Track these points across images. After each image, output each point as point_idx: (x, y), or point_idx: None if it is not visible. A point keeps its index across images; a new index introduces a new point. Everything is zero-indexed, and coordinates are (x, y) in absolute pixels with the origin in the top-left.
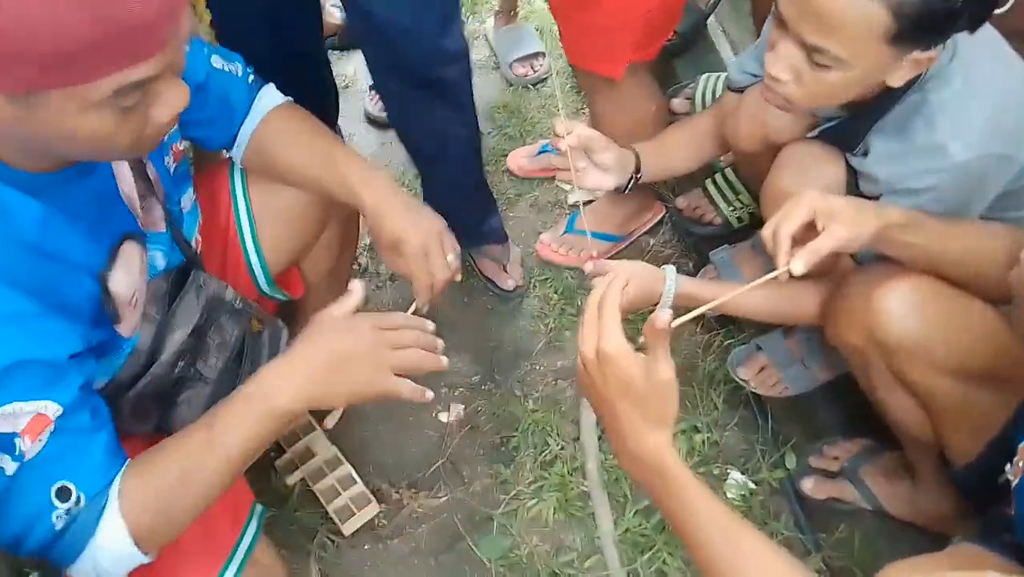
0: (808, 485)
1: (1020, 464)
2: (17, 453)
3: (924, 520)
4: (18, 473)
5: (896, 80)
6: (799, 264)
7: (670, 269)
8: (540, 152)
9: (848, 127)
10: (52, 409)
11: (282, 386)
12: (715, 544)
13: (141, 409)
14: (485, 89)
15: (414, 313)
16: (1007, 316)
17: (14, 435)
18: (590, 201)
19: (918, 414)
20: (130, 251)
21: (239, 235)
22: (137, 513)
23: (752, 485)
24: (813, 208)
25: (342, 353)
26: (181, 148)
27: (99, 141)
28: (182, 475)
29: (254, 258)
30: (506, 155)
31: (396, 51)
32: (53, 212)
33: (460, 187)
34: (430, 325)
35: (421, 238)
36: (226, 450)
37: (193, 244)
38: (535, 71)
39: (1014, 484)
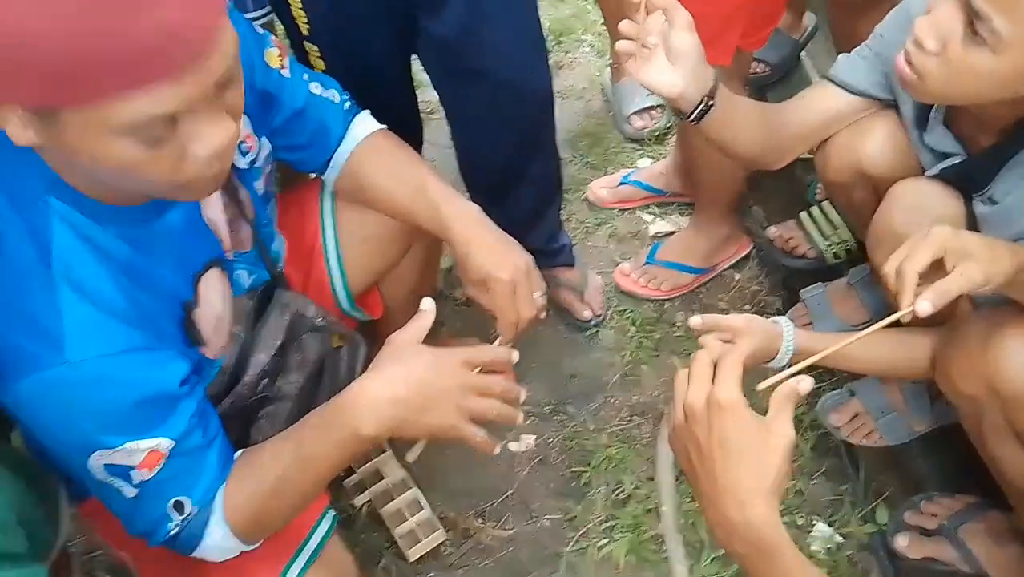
0: (902, 542)
1: None
2: (135, 483)
3: None
4: (138, 495)
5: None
6: (926, 304)
7: (786, 323)
8: (621, 183)
9: (974, 166)
10: (165, 444)
11: (368, 413)
12: None
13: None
14: (569, 118)
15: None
16: None
17: (130, 468)
18: (672, 232)
19: None
20: (213, 277)
21: (324, 253)
22: (237, 518)
23: (839, 539)
24: (944, 245)
25: (429, 388)
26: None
27: (131, 171)
28: (276, 488)
29: (337, 276)
30: (586, 184)
31: (498, 92)
32: (140, 245)
33: (531, 214)
34: (516, 356)
35: (510, 275)
36: (314, 468)
37: (279, 263)
38: (654, 121)
39: None
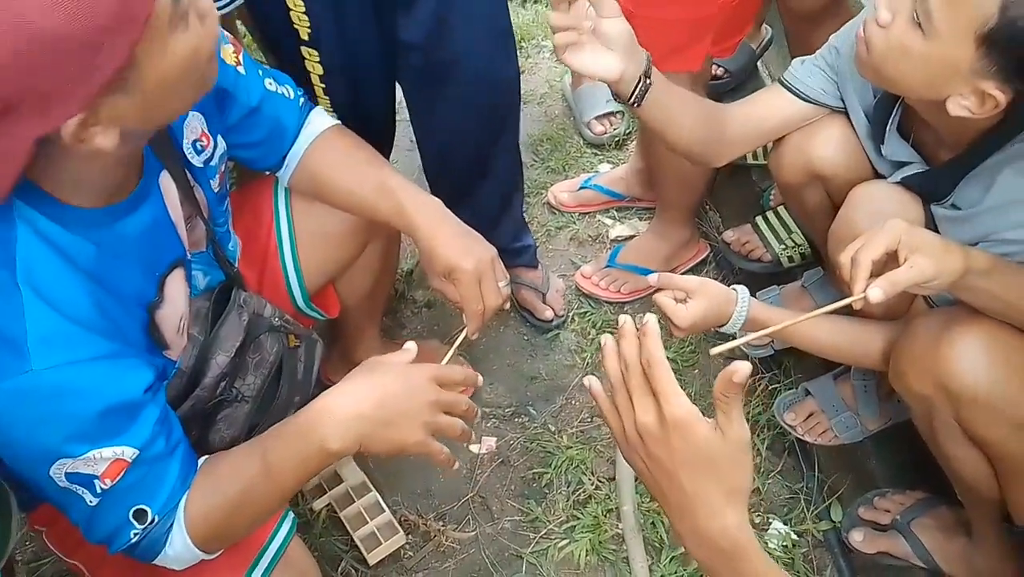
0: (857, 538)
1: None
2: (97, 491)
3: None
4: (99, 504)
5: (955, 107)
6: (877, 292)
7: (742, 289)
8: (582, 187)
9: (934, 178)
10: (129, 453)
11: (334, 429)
12: None
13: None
14: (530, 122)
15: (464, 340)
16: None
17: (94, 477)
18: (632, 236)
19: (983, 467)
20: (177, 278)
21: (279, 252)
22: (199, 528)
23: (795, 536)
24: (898, 238)
25: (394, 403)
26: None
27: (198, 56)
28: (239, 499)
29: (292, 275)
30: (547, 188)
31: (469, 85)
32: (107, 248)
33: (496, 210)
34: (480, 380)
35: (474, 266)
36: (279, 481)
37: (235, 263)
38: (614, 128)
39: None
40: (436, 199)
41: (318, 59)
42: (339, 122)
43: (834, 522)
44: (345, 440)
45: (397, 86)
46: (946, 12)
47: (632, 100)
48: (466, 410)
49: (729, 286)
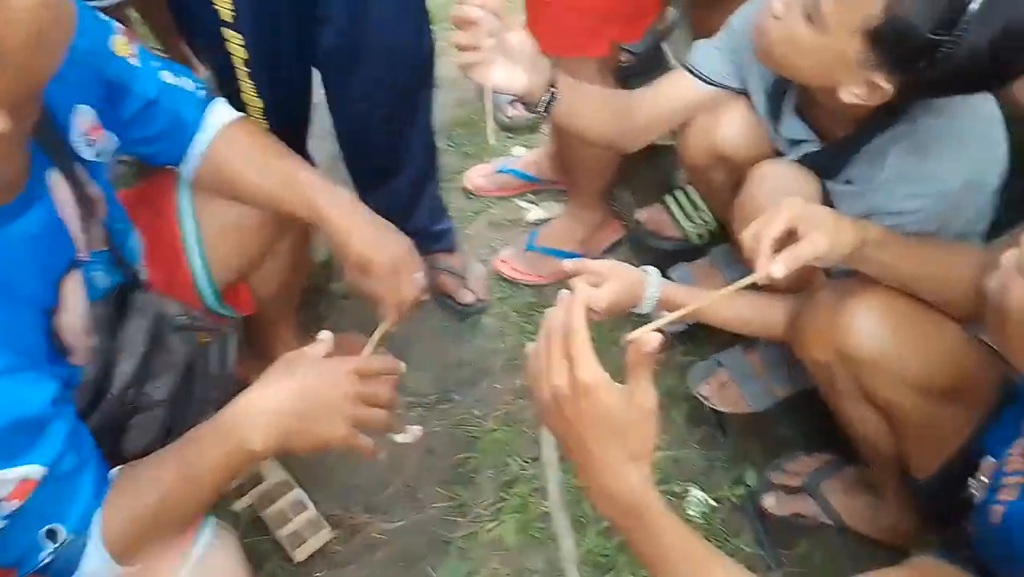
0: (769, 502)
1: (983, 479)
2: (4, 515)
3: (885, 535)
4: (6, 526)
5: (847, 95)
6: (779, 267)
7: (653, 271)
8: (497, 172)
9: (829, 155)
10: (37, 472)
11: (255, 428)
12: None
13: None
14: (443, 108)
15: (383, 335)
16: (971, 335)
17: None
18: (549, 219)
19: (882, 428)
20: (73, 281)
21: (185, 249)
22: (117, 542)
23: (713, 502)
24: (796, 215)
25: (316, 399)
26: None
27: (45, 30)
28: (158, 509)
29: (200, 273)
30: (463, 173)
31: (382, 62)
32: (1, 251)
33: (413, 191)
34: (402, 367)
35: (389, 259)
36: (199, 487)
37: (135, 263)
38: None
39: (978, 499)
40: (347, 191)
41: (241, 42)
42: (242, 115)
43: (749, 487)
44: (267, 440)
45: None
46: (834, 7)
47: (540, 109)
48: (389, 400)
49: (640, 267)
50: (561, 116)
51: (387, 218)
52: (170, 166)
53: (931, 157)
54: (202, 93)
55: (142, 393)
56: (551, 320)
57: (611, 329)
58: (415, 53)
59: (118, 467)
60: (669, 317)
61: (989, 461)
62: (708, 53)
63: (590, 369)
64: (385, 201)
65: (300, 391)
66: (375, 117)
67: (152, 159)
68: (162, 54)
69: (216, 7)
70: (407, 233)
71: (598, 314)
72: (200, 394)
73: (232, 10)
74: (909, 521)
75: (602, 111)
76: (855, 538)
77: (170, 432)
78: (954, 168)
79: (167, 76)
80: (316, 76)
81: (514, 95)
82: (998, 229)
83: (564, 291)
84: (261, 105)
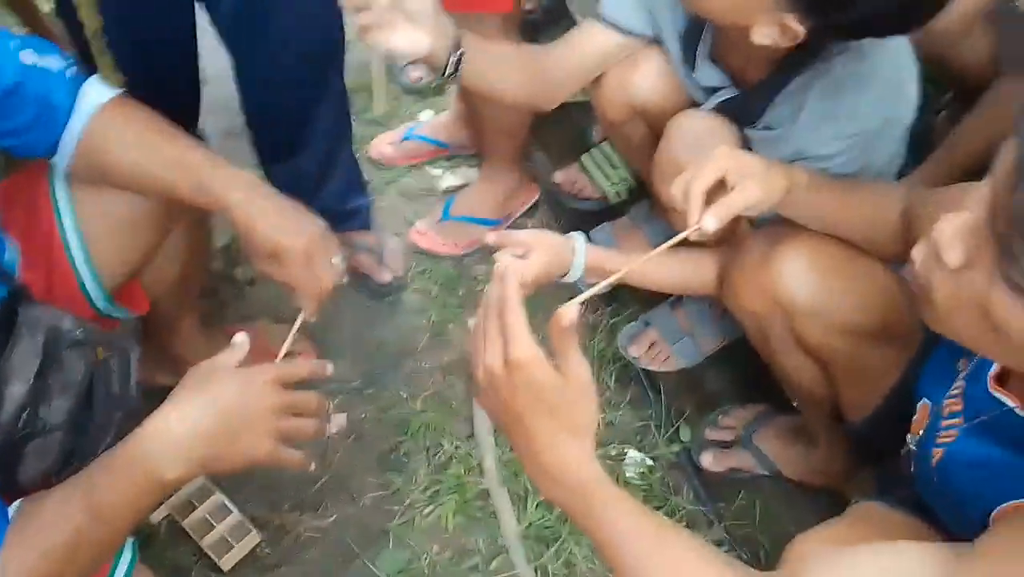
0: (707, 460)
1: (920, 425)
2: None
3: (820, 480)
4: None
5: (759, 36)
6: (712, 220)
7: (579, 237)
8: (405, 139)
9: (746, 101)
10: None
11: (169, 455)
12: (642, 561)
13: None
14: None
15: (302, 325)
16: (898, 275)
17: None
18: (463, 186)
19: (815, 373)
20: None
21: (65, 249)
22: None
23: (650, 462)
24: (725, 166)
25: (234, 417)
26: None
27: None
28: (69, 548)
29: (86, 274)
30: (369, 142)
31: (290, 21)
32: None
33: (324, 167)
34: (330, 368)
35: (303, 244)
36: (112, 523)
37: (15, 272)
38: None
39: (914, 443)
40: (246, 171)
41: (94, 8)
42: (121, 90)
43: (684, 443)
44: (184, 467)
45: (199, 44)
46: None
47: (447, 72)
48: (316, 407)
49: (566, 235)
50: (470, 78)
51: (295, 194)
52: (42, 157)
53: (849, 97)
54: (72, 71)
55: (36, 417)
56: (487, 297)
57: (535, 295)
58: (324, 16)
59: (17, 501)
60: (599, 286)
61: (925, 403)
62: (619, 2)
63: (523, 346)
64: (294, 176)
65: (217, 410)
66: (283, 85)
67: (21, 151)
68: (23, 29)
69: None
70: (319, 212)
71: (526, 287)
72: (102, 415)
73: None
74: (842, 465)
75: (513, 71)
76: (792, 486)
77: (70, 457)
78: (872, 107)
79: (28, 56)
80: (207, 46)
81: (416, 58)
82: (904, 166)
83: (499, 265)
84: (122, 79)
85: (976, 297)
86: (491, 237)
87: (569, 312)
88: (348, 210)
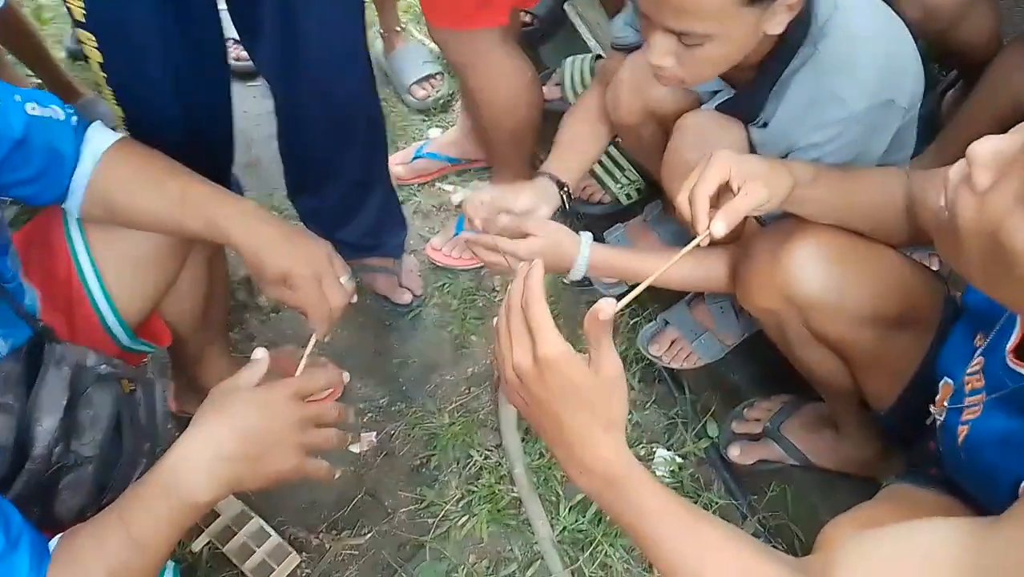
0: (735, 453)
1: (943, 404)
2: None
3: (849, 467)
4: None
5: (775, 27)
6: (720, 225)
7: (586, 236)
8: (415, 157)
9: (745, 98)
10: None
11: (199, 479)
12: (677, 548)
13: (22, 512)
14: None
15: (316, 344)
16: (909, 259)
17: None
18: None
19: (836, 365)
20: None
21: (85, 289)
22: None
23: (679, 460)
24: (728, 169)
25: (260, 435)
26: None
27: None
28: None
29: (107, 311)
30: None
31: (326, 70)
32: None
33: (352, 200)
34: (346, 376)
35: (310, 267)
36: (150, 548)
37: (37, 315)
38: (436, 91)
39: (940, 422)
40: (249, 201)
41: (95, 44)
42: (124, 135)
43: (712, 438)
44: (214, 488)
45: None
46: (710, 23)
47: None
48: (336, 416)
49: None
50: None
51: (318, 226)
52: (54, 204)
53: (831, 82)
54: (74, 120)
55: (69, 451)
56: (509, 295)
57: (555, 300)
58: (353, 60)
59: (57, 537)
60: (636, 291)
61: (946, 382)
62: (625, 26)
63: (552, 343)
64: (317, 209)
65: (241, 430)
66: (314, 123)
67: (33, 200)
68: (35, 82)
69: (69, 6)
70: (345, 243)
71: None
72: (131, 446)
73: (82, 7)
74: (871, 450)
75: (595, 139)
76: (823, 474)
77: (103, 490)
78: (857, 90)
79: (32, 108)
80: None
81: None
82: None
83: (522, 263)
84: (122, 115)
85: (996, 222)
86: (504, 219)
87: (607, 307)
88: (377, 244)
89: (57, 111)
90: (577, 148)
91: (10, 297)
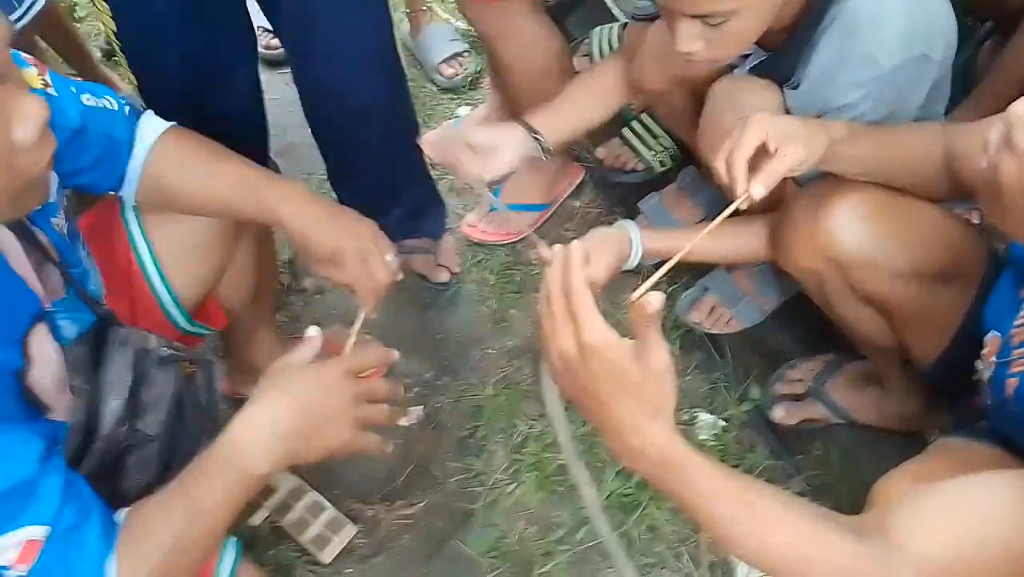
0: (779, 414)
1: (990, 357)
2: None
3: (895, 423)
4: None
5: None
6: (759, 188)
7: (631, 226)
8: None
9: (777, 60)
10: (39, 532)
11: (257, 452)
12: (737, 527)
13: (92, 488)
14: None
15: (364, 321)
16: (950, 213)
17: (4, 568)
18: (508, 174)
19: (879, 323)
20: (41, 334)
21: (144, 275)
22: None
23: (722, 423)
24: (765, 131)
25: (316, 411)
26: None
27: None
28: (174, 548)
29: (165, 296)
30: None
31: (345, 31)
32: None
33: (387, 188)
34: (395, 355)
35: (356, 244)
36: (211, 519)
37: (101, 300)
38: (464, 69)
39: (987, 376)
40: (298, 182)
41: (109, 12)
42: (174, 123)
43: (754, 401)
44: (272, 462)
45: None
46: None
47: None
48: (388, 392)
49: (616, 224)
50: (562, 137)
51: (366, 210)
52: (110, 192)
53: (862, 40)
54: (127, 109)
55: (135, 430)
56: (549, 282)
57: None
58: (374, 22)
59: (124, 509)
60: (662, 269)
61: (994, 336)
62: None
63: (596, 329)
64: (352, 195)
65: (297, 406)
66: (335, 90)
67: (92, 188)
68: (77, 76)
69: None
70: (385, 226)
71: (598, 287)
72: (192, 426)
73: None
74: (916, 406)
75: (595, 107)
76: (868, 432)
77: (167, 468)
78: (888, 47)
79: (88, 99)
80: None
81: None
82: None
83: (557, 246)
84: (135, 84)
85: None
86: (546, 254)
87: (655, 299)
88: (417, 227)
89: (111, 101)
90: (565, 108)
91: (77, 284)
